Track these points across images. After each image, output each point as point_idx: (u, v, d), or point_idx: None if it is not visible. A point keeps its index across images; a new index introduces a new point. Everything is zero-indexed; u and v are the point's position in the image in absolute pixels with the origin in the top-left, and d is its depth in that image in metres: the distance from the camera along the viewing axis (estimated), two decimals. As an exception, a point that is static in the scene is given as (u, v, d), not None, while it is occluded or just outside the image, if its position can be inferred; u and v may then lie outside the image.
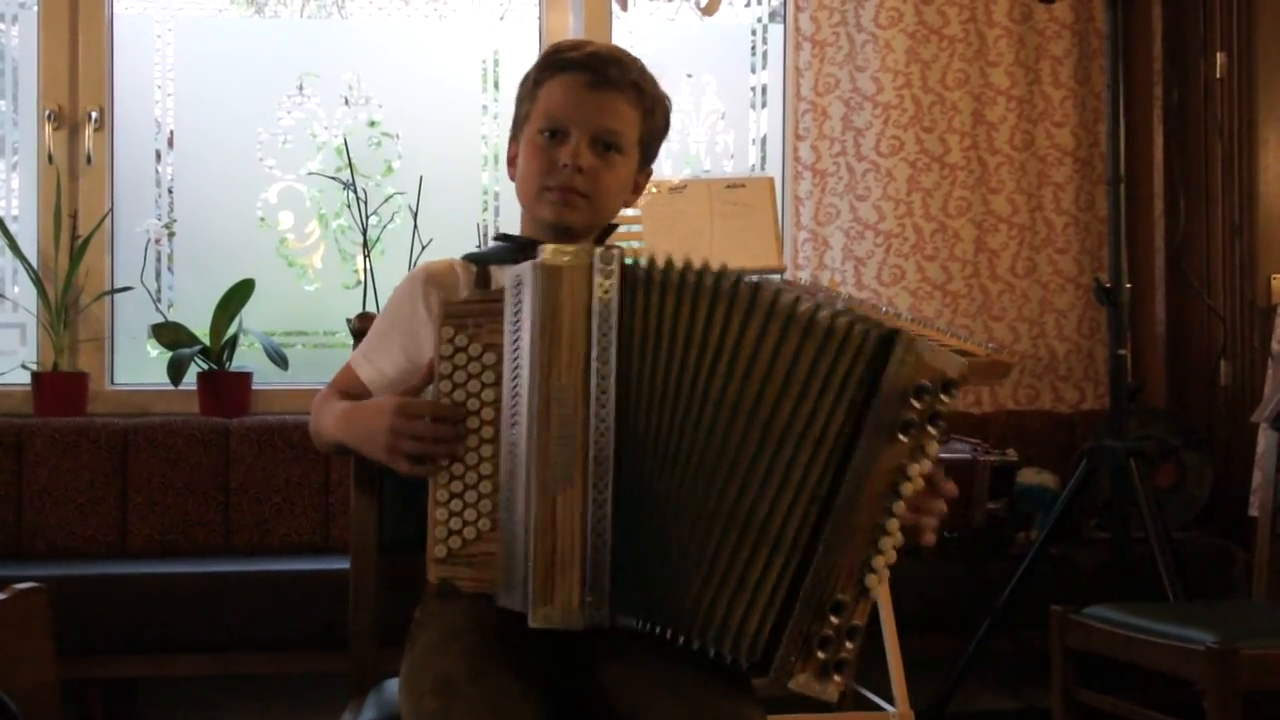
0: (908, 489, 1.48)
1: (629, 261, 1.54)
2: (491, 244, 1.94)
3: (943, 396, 1.48)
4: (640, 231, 3.17)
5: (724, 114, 3.90)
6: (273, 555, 3.29)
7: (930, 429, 1.48)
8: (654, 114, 1.88)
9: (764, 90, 3.94)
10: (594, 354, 1.52)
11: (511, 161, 1.92)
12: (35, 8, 3.62)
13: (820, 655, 1.48)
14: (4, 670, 2.10)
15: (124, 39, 3.69)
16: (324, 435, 1.82)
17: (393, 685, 1.75)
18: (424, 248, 3.55)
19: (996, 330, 3.76)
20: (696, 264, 1.52)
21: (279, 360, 3.55)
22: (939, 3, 3.76)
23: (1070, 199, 3.82)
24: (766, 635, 1.49)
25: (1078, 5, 3.83)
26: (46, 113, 3.57)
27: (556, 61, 1.85)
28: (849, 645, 1.49)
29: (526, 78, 1.90)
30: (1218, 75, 3.67)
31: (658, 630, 1.52)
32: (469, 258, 1.89)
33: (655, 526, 1.52)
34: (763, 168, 3.90)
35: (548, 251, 1.54)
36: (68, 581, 2.93)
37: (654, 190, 3.20)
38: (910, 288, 3.70)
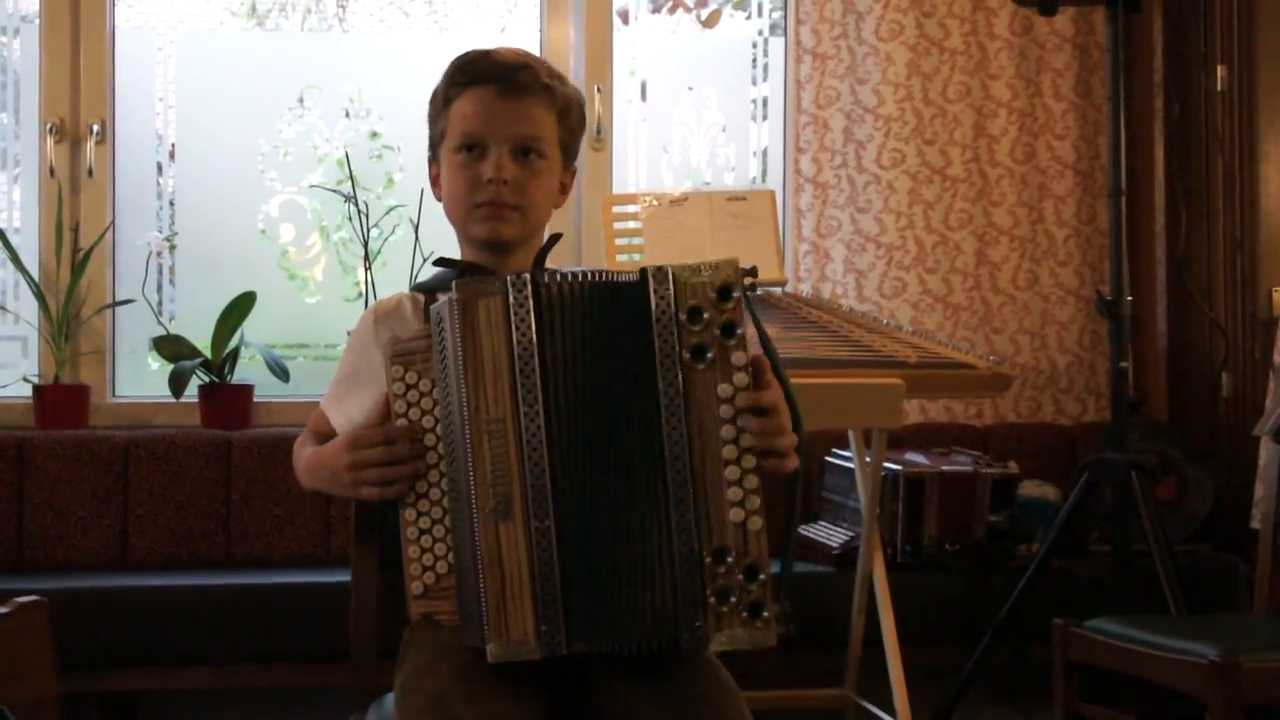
0: (726, 411, 1.47)
1: (545, 279, 1.53)
2: (432, 270, 1.92)
3: (725, 305, 1.47)
4: (641, 245, 3.17)
5: (725, 126, 3.89)
6: (274, 568, 3.28)
7: (728, 342, 1.48)
8: (569, 113, 1.86)
9: (765, 103, 3.94)
10: (519, 384, 1.51)
11: (434, 181, 1.90)
12: (37, 21, 3.62)
13: (727, 605, 1.47)
14: (5, 684, 2.09)
15: (125, 52, 3.69)
16: (301, 482, 1.84)
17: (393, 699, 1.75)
18: (425, 260, 3.55)
19: (998, 343, 3.76)
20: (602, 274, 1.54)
21: (280, 373, 3.54)
22: (940, 16, 3.76)
23: (1071, 211, 3.82)
24: (671, 613, 1.48)
25: (1078, 18, 3.83)
26: (48, 126, 3.57)
27: (464, 75, 1.84)
28: (754, 586, 1.47)
29: (435, 95, 1.88)
30: (1218, 88, 3.67)
31: (614, 649, 1.51)
32: (416, 288, 1.89)
33: (597, 547, 1.51)
34: (763, 180, 3.91)
35: (461, 285, 1.54)
36: (69, 595, 2.92)
37: (655, 203, 3.20)
38: (911, 300, 3.71)
